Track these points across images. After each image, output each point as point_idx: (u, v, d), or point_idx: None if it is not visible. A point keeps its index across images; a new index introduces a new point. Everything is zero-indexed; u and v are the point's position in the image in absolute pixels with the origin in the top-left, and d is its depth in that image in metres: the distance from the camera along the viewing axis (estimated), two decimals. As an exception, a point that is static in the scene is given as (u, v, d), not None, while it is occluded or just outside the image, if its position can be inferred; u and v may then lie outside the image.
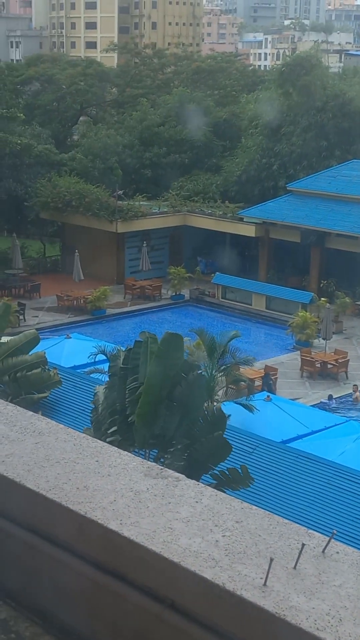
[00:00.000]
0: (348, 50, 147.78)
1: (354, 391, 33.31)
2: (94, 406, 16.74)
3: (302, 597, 2.25)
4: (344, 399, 33.39)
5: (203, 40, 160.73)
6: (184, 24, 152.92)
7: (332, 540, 2.49)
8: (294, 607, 2.21)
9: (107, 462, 2.95)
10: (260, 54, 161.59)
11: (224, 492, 14.10)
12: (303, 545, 2.43)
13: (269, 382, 31.86)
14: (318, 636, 2.10)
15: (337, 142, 51.57)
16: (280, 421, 24.18)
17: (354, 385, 33.68)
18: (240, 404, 23.67)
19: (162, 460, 14.98)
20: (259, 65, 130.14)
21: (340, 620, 2.16)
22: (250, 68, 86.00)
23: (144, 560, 2.48)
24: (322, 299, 41.37)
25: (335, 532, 2.53)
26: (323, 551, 2.46)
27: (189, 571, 2.38)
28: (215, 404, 22.29)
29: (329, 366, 35.78)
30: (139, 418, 14.90)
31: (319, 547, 2.48)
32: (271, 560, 2.34)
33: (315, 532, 2.57)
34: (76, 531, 2.66)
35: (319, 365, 35.75)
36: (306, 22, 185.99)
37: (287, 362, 36.98)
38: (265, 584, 2.30)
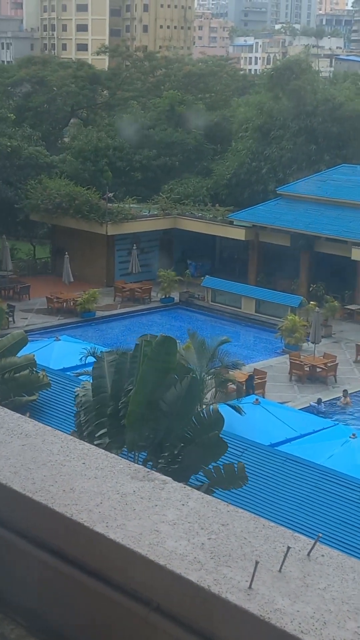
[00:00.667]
0: (338, 55, 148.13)
1: (343, 396, 33.38)
2: (77, 409, 16.73)
3: (287, 600, 2.26)
4: (332, 403, 33.44)
5: (194, 44, 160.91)
6: (175, 27, 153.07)
7: (318, 543, 2.50)
8: (279, 610, 2.21)
9: (94, 465, 2.95)
10: (251, 57, 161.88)
11: (215, 492, 14.13)
12: (288, 548, 2.43)
13: (252, 385, 31.87)
14: (302, 639, 2.11)
15: (327, 146, 51.71)
16: (268, 424, 24.20)
17: (344, 390, 33.73)
18: (229, 405, 23.67)
19: (150, 463, 14.97)
20: (250, 69, 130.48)
21: (325, 623, 2.17)
22: (241, 72, 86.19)
23: (130, 562, 2.49)
24: (311, 302, 41.43)
25: (320, 535, 2.54)
26: (308, 554, 2.47)
27: (175, 574, 2.38)
28: (204, 406, 22.28)
29: (318, 370, 35.83)
30: (129, 421, 14.89)
31: (304, 550, 2.49)
32: (256, 563, 2.35)
33: (300, 536, 2.57)
34: (62, 533, 2.66)
35: (307, 368, 35.80)
36: (297, 26, 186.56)
37: (276, 366, 37.01)
38: (250, 587, 2.30)
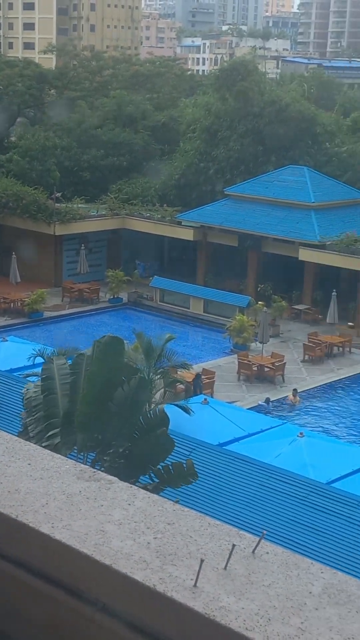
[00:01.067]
0: (285, 57, 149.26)
1: (292, 395, 33.65)
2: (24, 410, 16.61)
3: (232, 597, 2.27)
4: (280, 402, 33.71)
5: (142, 44, 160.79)
6: (122, 27, 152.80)
7: (263, 540, 2.52)
8: (224, 608, 2.23)
9: (39, 465, 2.94)
10: (198, 58, 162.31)
11: (164, 492, 14.14)
12: (233, 546, 2.45)
13: (200, 385, 31.98)
14: (247, 636, 2.13)
15: (274, 147, 52.09)
16: (217, 424, 24.29)
17: (294, 389, 34.02)
18: (177, 405, 23.72)
19: (99, 463, 14.94)
20: (198, 70, 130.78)
21: (269, 620, 2.18)
22: (189, 72, 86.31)
23: (75, 563, 2.48)
24: (259, 302, 41.72)
25: (265, 532, 2.56)
26: (253, 552, 2.48)
27: (120, 573, 2.38)
28: (152, 406, 22.29)
29: (266, 369, 36.09)
30: (78, 421, 14.85)
31: (249, 547, 2.50)
32: (202, 561, 2.36)
33: (245, 533, 2.59)
34: (6, 535, 2.64)
35: (255, 368, 36.03)
36: (244, 28, 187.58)
37: (224, 366, 37.19)
38: (195, 585, 2.31)
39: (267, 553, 2.50)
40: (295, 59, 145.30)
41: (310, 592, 2.32)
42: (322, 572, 2.41)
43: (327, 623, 2.19)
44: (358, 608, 2.25)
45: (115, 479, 2.89)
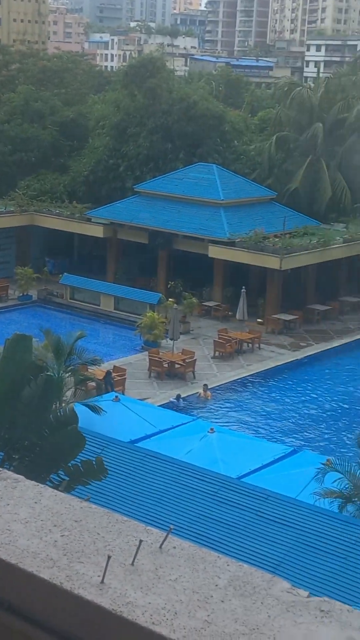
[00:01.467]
0: (193, 55, 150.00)
1: (203, 390, 33.90)
2: None
3: (139, 592, 2.28)
4: (191, 399, 33.92)
5: (49, 39, 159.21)
6: (29, 22, 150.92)
7: (170, 535, 2.53)
8: (131, 603, 2.23)
9: None
10: (106, 54, 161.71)
11: (76, 490, 14.06)
12: (141, 541, 2.46)
13: (111, 382, 31.94)
14: (153, 630, 2.14)
15: (183, 144, 52.34)
16: (128, 421, 24.29)
17: (204, 384, 34.28)
18: (87, 405, 23.61)
19: (7, 462, 14.77)
20: (106, 66, 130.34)
21: (176, 613, 2.20)
22: (97, 68, 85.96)
23: (-20, 563, 2.45)
24: (170, 299, 41.88)
25: (172, 527, 2.58)
26: (160, 547, 2.50)
27: (27, 572, 2.36)
28: (62, 404, 22.15)
29: (177, 366, 36.26)
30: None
31: (156, 542, 2.52)
32: (109, 557, 2.36)
33: (153, 529, 2.60)
34: None
35: (166, 365, 36.16)
36: (152, 24, 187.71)
37: (135, 363, 37.21)
38: (102, 582, 2.31)
39: (174, 548, 2.52)
40: (204, 57, 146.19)
41: (216, 585, 2.34)
42: (228, 565, 2.44)
43: (233, 615, 2.22)
44: (263, 599, 2.29)
45: (22, 477, 2.86)
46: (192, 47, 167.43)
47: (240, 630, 2.16)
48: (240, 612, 2.23)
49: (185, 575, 2.39)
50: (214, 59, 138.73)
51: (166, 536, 2.53)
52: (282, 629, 2.16)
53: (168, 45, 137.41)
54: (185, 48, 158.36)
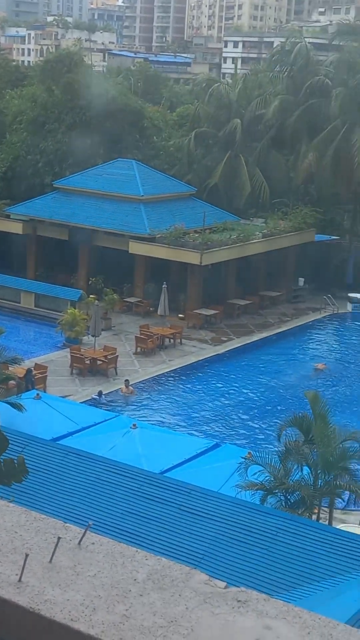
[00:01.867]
0: (111, 50, 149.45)
1: (125, 386, 33.89)
2: None
3: (57, 589, 2.28)
4: (113, 395, 33.87)
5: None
6: None
7: (88, 532, 2.54)
8: (49, 601, 2.24)
9: None
10: (23, 49, 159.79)
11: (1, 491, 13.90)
12: (59, 539, 2.46)
13: (31, 380, 31.67)
14: (72, 627, 2.14)
15: (102, 140, 52.14)
16: (50, 419, 24.14)
17: (126, 380, 34.28)
18: (8, 402, 23.37)
19: None
20: (23, 61, 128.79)
21: (94, 609, 2.21)
22: (14, 63, 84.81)
23: None
24: (91, 296, 41.72)
25: (91, 523, 2.59)
26: (79, 543, 2.50)
27: None
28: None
29: (99, 362, 36.14)
30: None
31: (75, 539, 2.52)
32: (26, 556, 2.36)
33: (71, 526, 2.60)
34: None
35: (88, 362, 36.01)
36: (69, 19, 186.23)
37: (57, 360, 36.96)
38: (20, 580, 2.31)
39: (93, 544, 2.53)
40: (122, 53, 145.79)
41: (135, 579, 2.36)
42: (146, 559, 2.46)
43: (151, 608, 2.24)
44: (181, 591, 2.31)
45: None
46: (110, 42, 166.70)
47: (158, 623, 2.18)
48: (159, 605, 2.25)
49: (104, 570, 2.40)
50: (132, 55, 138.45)
51: (84, 532, 2.53)
52: (199, 620, 2.19)
53: (86, 40, 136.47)
54: (103, 43, 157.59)
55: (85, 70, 57.38)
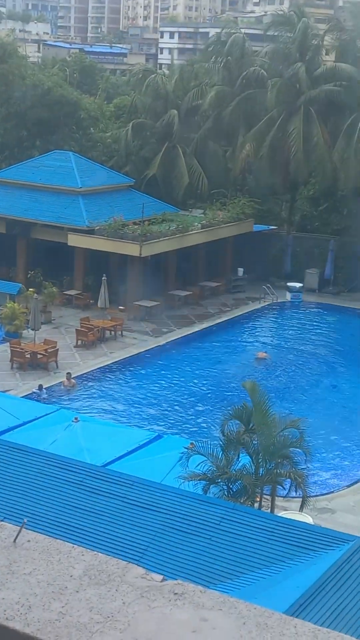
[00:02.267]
0: (46, 41, 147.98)
1: (67, 379, 33.74)
2: None
3: (-7, 589, 2.26)
4: (54, 388, 33.68)
5: None
6: None
7: (24, 529, 2.52)
8: (-16, 600, 2.21)
9: None
10: None
11: None
12: (-6, 537, 2.44)
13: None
14: (7, 626, 2.13)
15: (38, 132, 51.70)
16: (-10, 414, 23.89)
17: (67, 372, 34.12)
18: None
19: None
20: None
21: (30, 607, 2.20)
22: None
23: None
24: (30, 289, 41.38)
25: (25, 520, 2.57)
26: (14, 541, 2.48)
27: None
28: None
29: (39, 356, 35.91)
30: None
31: (10, 537, 2.50)
32: None
33: (6, 523, 2.58)
34: None
35: (28, 356, 35.75)
36: (2, 9, 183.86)
37: (-4, 355, 36.59)
38: None
39: (29, 541, 2.51)
40: (57, 43, 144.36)
41: (71, 576, 2.35)
42: (83, 555, 2.46)
43: (88, 604, 2.23)
44: (118, 586, 2.31)
45: None
46: (44, 32, 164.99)
47: (95, 619, 2.18)
48: (96, 601, 2.25)
49: (39, 568, 2.39)
50: (68, 45, 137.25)
51: (20, 530, 2.52)
52: (136, 614, 2.20)
53: (20, 31, 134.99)
54: (37, 34, 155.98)
55: (19, 61, 56.72)
